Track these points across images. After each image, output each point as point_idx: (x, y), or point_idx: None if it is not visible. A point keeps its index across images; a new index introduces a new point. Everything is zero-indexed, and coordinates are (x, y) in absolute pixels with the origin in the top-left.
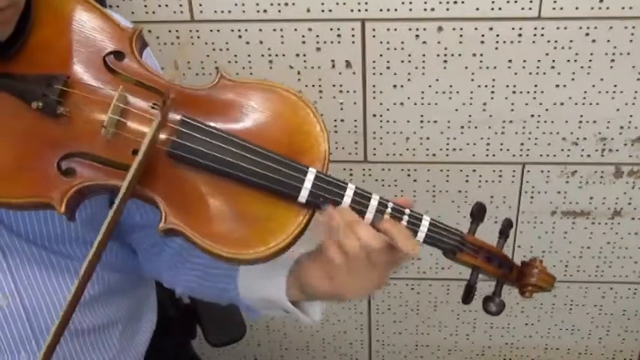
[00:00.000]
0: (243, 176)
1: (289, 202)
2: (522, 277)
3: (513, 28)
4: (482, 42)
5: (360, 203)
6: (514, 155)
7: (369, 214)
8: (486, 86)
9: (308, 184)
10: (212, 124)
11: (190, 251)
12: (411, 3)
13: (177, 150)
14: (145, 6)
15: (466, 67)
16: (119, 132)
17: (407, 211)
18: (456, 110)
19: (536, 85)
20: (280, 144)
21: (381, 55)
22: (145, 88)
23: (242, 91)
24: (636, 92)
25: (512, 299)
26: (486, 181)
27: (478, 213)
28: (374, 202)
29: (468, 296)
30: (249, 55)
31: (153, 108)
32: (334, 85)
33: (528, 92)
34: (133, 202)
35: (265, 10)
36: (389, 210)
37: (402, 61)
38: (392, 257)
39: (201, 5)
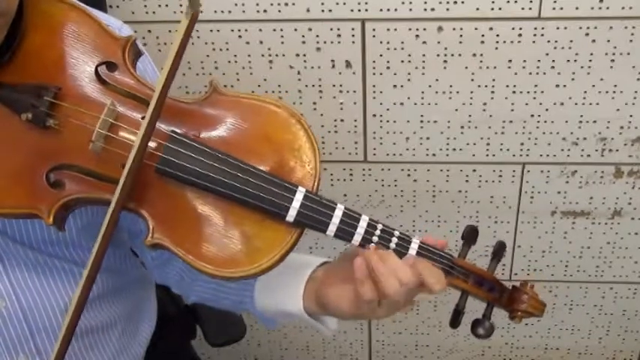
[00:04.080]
0: (229, 194)
1: (277, 220)
2: (512, 303)
3: (513, 28)
4: (482, 42)
5: (348, 224)
6: (514, 155)
7: (358, 236)
8: (486, 86)
9: (296, 204)
10: (201, 139)
11: None
12: (411, 3)
13: (165, 166)
14: (145, 6)
15: (466, 67)
16: (108, 146)
17: (396, 233)
18: (456, 110)
19: (536, 85)
20: (270, 161)
21: (381, 55)
22: (136, 100)
23: (233, 105)
24: (636, 92)
25: None
26: (486, 181)
27: (469, 236)
28: (363, 223)
29: (455, 320)
30: (249, 55)
31: (143, 120)
32: (334, 85)
33: (528, 92)
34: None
35: (265, 10)
36: (378, 232)
37: (402, 61)
38: (419, 292)
39: (201, 5)
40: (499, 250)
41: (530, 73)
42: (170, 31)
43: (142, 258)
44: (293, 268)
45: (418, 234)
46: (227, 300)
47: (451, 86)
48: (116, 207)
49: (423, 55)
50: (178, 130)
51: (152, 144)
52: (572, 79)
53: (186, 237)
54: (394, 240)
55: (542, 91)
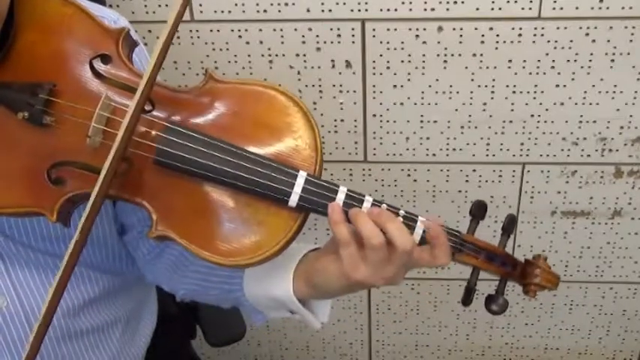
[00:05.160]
0: (230, 182)
1: (280, 206)
2: (525, 277)
3: (513, 28)
4: (482, 42)
5: (352, 206)
6: (514, 155)
7: None
8: (486, 86)
9: (298, 189)
10: (198, 128)
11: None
12: (411, 3)
13: (163, 157)
14: (145, 6)
15: (466, 67)
16: (106, 140)
17: (401, 212)
18: (456, 110)
19: (536, 85)
20: (269, 146)
21: (381, 55)
22: (132, 92)
23: (230, 92)
24: (636, 92)
25: (512, 299)
26: (486, 181)
27: (478, 211)
28: (367, 204)
29: (467, 298)
30: (249, 55)
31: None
32: (334, 85)
33: (528, 92)
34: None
35: (265, 10)
36: None
37: (402, 61)
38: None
39: (201, 5)
40: (509, 225)
41: (530, 73)
42: None
43: (133, 254)
44: (284, 255)
45: None
46: (215, 290)
47: (451, 86)
48: (98, 194)
49: (423, 55)
50: (175, 120)
51: (149, 134)
52: (572, 79)
53: (190, 227)
54: (399, 220)
55: (542, 91)
